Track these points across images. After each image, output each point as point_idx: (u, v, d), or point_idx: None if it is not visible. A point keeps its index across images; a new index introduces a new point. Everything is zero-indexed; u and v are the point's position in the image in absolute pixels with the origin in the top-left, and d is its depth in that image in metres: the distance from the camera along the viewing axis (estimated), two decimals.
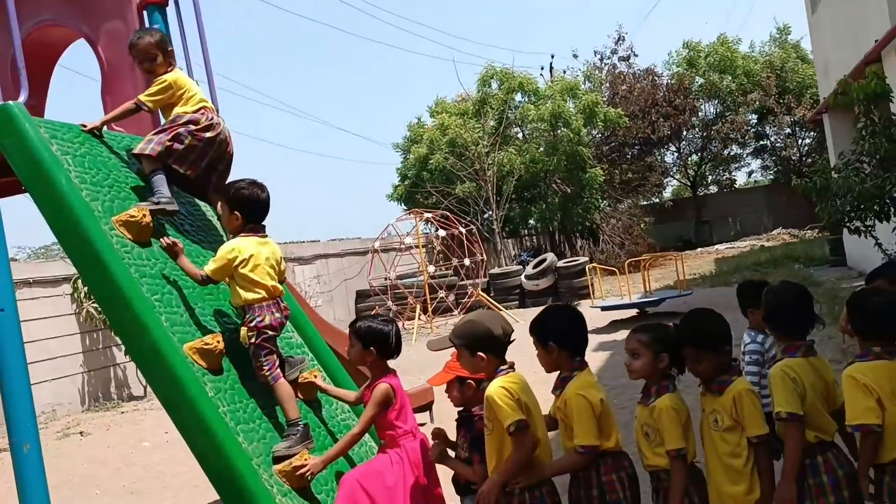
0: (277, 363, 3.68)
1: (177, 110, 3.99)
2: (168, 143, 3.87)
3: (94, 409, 13.15)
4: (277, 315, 3.67)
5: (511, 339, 3.38)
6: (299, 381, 3.86)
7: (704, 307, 3.49)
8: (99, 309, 12.20)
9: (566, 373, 3.30)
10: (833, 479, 2.98)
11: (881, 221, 8.85)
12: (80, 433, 11.07)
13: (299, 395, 3.84)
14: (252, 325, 3.60)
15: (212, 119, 4.02)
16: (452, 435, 3.64)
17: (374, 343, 3.60)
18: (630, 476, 3.25)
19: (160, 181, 3.85)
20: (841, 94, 9.46)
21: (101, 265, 3.45)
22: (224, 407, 3.41)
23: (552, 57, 44.76)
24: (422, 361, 10.83)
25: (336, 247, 22.61)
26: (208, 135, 3.98)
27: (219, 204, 4.03)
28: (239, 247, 3.64)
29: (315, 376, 3.94)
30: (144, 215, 3.72)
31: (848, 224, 9.23)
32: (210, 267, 3.60)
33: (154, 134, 3.95)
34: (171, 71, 4.08)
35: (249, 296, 3.62)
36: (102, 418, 12.20)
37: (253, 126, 52.45)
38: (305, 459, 3.45)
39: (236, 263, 3.61)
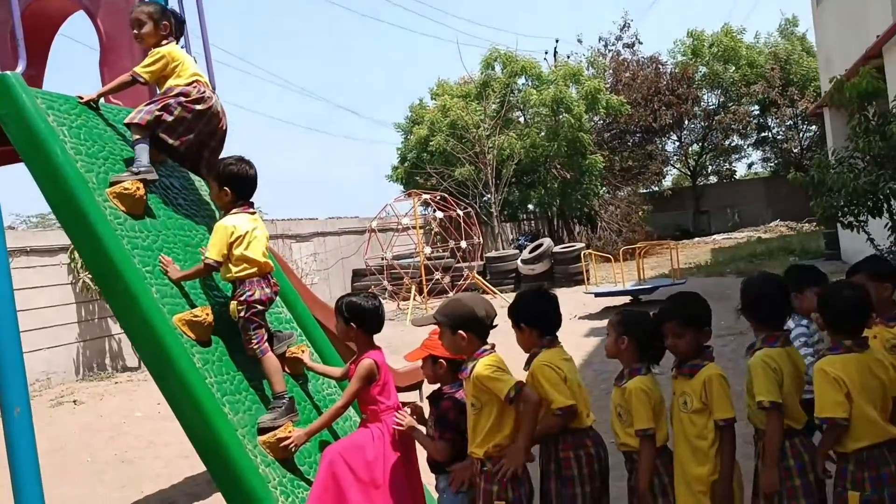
0: (266, 337, 3.75)
1: (169, 82, 4.04)
2: (157, 113, 3.91)
3: (88, 378, 13.25)
4: (267, 290, 3.74)
5: (494, 323, 3.46)
6: (287, 355, 3.94)
7: (692, 291, 3.60)
8: None
9: (536, 349, 3.43)
10: (799, 464, 3.09)
11: (874, 217, 8.92)
12: (74, 402, 11.18)
13: (286, 369, 3.91)
14: (242, 299, 3.67)
15: (203, 92, 4.06)
16: None
17: (356, 319, 3.66)
18: (591, 454, 3.35)
19: (142, 150, 3.89)
20: (836, 93, 9.50)
21: (94, 236, 3.52)
22: (211, 378, 3.48)
23: (556, 42, 44.68)
24: (414, 341, 10.90)
25: (334, 225, 22.66)
26: (199, 107, 4.02)
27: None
28: (234, 226, 3.70)
29: (303, 352, 4.02)
30: (138, 188, 3.78)
31: (841, 219, 9.30)
32: (212, 254, 3.66)
33: (145, 104, 3.99)
34: (165, 45, 4.11)
35: (241, 272, 3.68)
36: (96, 388, 12.30)
37: (256, 102, 52.30)
38: (289, 431, 3.53)
39: (232, 241, 3.67)
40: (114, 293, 3.56)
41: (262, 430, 3.53)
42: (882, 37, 10.77)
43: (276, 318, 4.19)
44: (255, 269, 3.71)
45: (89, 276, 12.87)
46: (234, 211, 3.78)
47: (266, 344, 3.73)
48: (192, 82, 4.04)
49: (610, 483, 3.46)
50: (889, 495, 2.98)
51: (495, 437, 3.27)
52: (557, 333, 3.51)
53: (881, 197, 8.59)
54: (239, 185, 3.80)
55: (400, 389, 4.11)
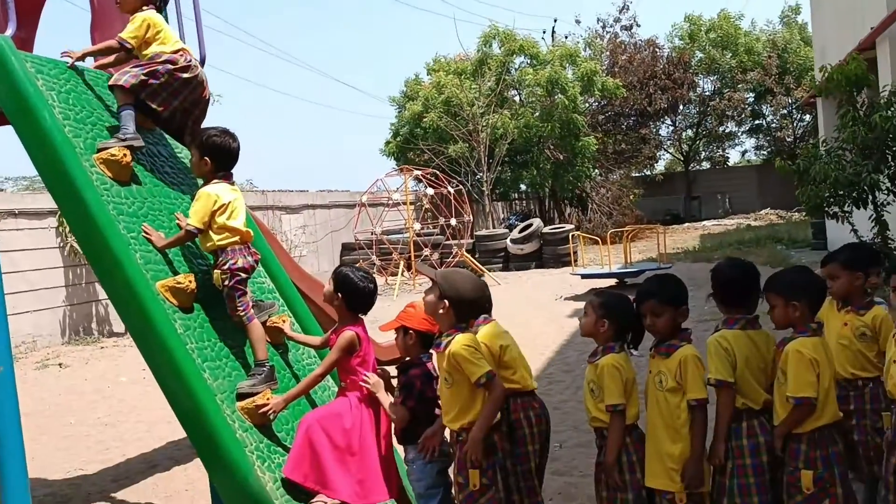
0: (251, 304, 3.82)
1: (154, 49, 4.04)
2: (143, 78, 3.92)
3: (74, 342, 13.31)
4: (249, 259, 3.80)
5: (483, 313, 3.60)
6: (268, 324, 4.00)
7: (670, 273, 3.69)
8: None
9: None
10: (753, 444, 3.19)
11: (858, 208, 9.00)
12: (59, 365, 11.25)
13: (267, 338, 3.98)
14: (225, 267, 3.72)
15: (190, 61, 4.09)
16: None
17: (344, 291, 3.73)
18: (539, 415, 3.60)
19: (128, 116, 3.91)
20: (828, 81, 9.55)
21: (80, 201, 3.55)
22: (192, 344, 3.54)
23: (555, 21, 44.47)
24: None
25: (324, 198, 22.66)
26: (185, 75, 4.04)
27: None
28: (216, 194, 3.74)
29: (283, 321, 4.08)
30: (125, 154, 3.81)
31: (827, 209, 9.39)
32: (194, 221, 3.70)
33: (131, 67, 4.00)
34: (146, 10, 4.11)
35: (222, 240, 3.73)
36: (82, 352, 12.37)
37: (254, 72, 51.86)
38: (268, 399, 3.60)
39: (214, 209, 3.72)
40: (98, 258, 3.60)
41: (241, 396, 3.59)
42: (875, 29, 10.80)
43: (259, 287, 4.25)
44: (236, 238, 3.76)
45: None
46: (214, 181, 3.82)
47: (252, 310, 3.79)
48: (179, 50, 4.07)
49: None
50: (839, 473, 3.11)
51: (467, 415, 3.36)
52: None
53: (865, 188, 8.67)
54: (220, 157, 3.83)
55: (382, 363, 4.18)
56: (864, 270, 3.84)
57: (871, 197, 8.80)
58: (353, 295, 3.73)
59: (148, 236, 3.72)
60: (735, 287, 3.36)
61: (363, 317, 3.82)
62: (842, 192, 8.89)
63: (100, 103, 4.07)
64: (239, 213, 3.82)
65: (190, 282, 3.67)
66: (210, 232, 3.73)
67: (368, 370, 3.75)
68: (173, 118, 4.14)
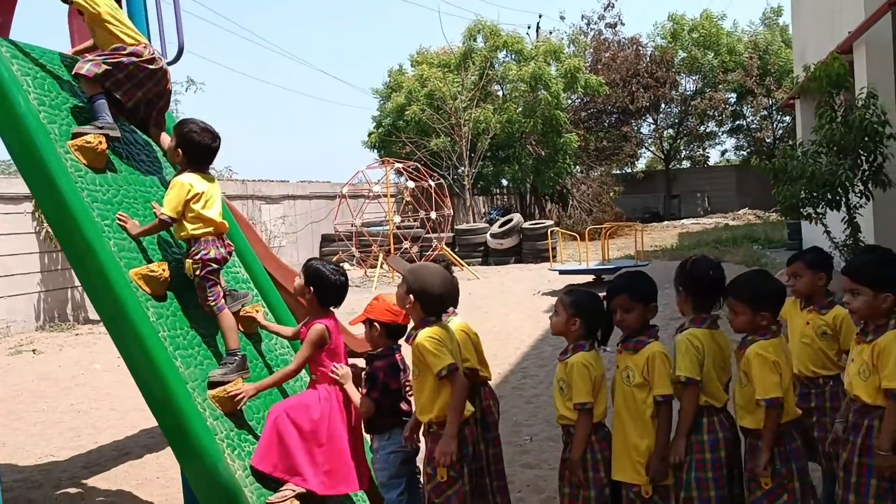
0: (222, 294, 3.84)
1: (118, 41, 3.97)
2: (107, 68, 3.90)
3: (49, 328, 13.22)
4: (222, 250, 3.81)
5: (448, 307, 3.65)
6: (241, 314, 4.02)
7: (640, 270, 3.76)
8: None
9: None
10: (712, 440, 3.27)
11: (831, 210, 9.14)
12: (33, 351, 11.18)
13: (241, 327, 4.00)
14: (197, 257, 3.73)
15: (154, 53, 4.10)
16: None
17: (315, 284, 3.75)
18: (489, 405, 3.81)
19: (102, 105, 3.90)
20: (810, 80, 9.68)
21: (53, 188, 3.54)
22: (164, 332, 3.56)
23: (539, 17, 44.52)
24: None
25: (305, 188, 22.60)
26: (151, 67, 4.04)
27: (162, 135, 4.15)
28: (190, 183, 3.75)
29: (257, 311, 4.10)
30: (101, 142, 3.81)
31: (801, 210, 9.52)
32: (167, 210, 3.70)
33: (94, 55, 3.97)
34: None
35: (196, 230, 3.75)
36: (56, 338, 12.30)
37: (239, 62, 51.54)
38: (239, 388, 3.63)
39: (188, 198, 3.73)
40: (71, 245, 3.60)
41: (213, 385, 3.62)
42: (853, 33, 10.94)
43: (234, 277, 4.27)
44: (210, 229, 3.77)
45: None
46: (188, 170, 3.83)
47: (223, 301, 3.81)
48: (143, 44, 4.05)
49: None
50: (797, 468, 3.20)
51: (434, 406, 3.39)
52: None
53: (839, 190, 8.81)
54: (195, 153, 3.83)
55: (357, 355, 4.22)
56: (828, 272, 3.94)
57: (844, 199, 8.95)
58: (324, 288, 3.75)
59: (123, 224, 3.73)
60: (704, 285, 3.43)
61: (336, 309, 3.85)
62: (816, 193, 9.03)
63: (77, 90, 4.06)
64: (214, 202, 3.83)
65: (163, 270, 3.68)
66: (184, 221, 3.74)
67: (340, 362, 3.78)
68: (137, 109, 4.14)
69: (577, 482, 3.36)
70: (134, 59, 3.97)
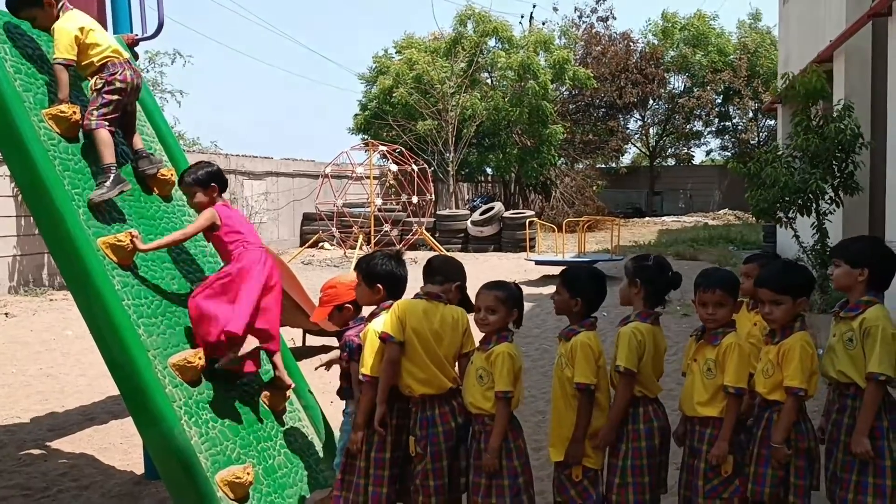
0: (108, 117, 3.92)
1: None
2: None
3: (23, 292, 13.22)
4: (134, 77, 3.99)
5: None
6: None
7: (593, 267, 3.88)
8: None
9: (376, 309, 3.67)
10: (648, 429, 3.42)
11: (802, 215, 9.33)
12: (6, 314, 11.20)
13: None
14: (114, 77, 3.91)
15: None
16: None
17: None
18: None
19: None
20: (788, 90, 9.84)
21: (26, 154, 3.63)
22: (128, 300, 3.66)
23: (534, 6, 44.48)
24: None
25: (288, 166, 22.60)
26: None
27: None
28: (70, 21, 3.89)
29: (136, 237, 3.88)
30: (74, 112, 3.88)
31: (772, 214, 9.71)
32: (60, 53, 3.83)
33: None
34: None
35: (101, 54, 3.91)
36: (30, 303, 12.31)
37: (229, 37, 51.18)
38: (200, 357, 3.73)
39: (76, 33, 3.85)
40: (42, 212, 3.68)
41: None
42: (833, 42, 11.10)
43: (201, 251, 4.35)
44: (110, 53, 3.92)
45: None
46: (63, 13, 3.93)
47: (105, 121, 3.90)
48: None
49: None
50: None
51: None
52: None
53: (810, 196, 8.99)
54: (217, 181, 4.02)
55: (330, 334, 4.31)
56: None
57: (815, 205, 9.14)
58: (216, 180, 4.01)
59: (133, 241, 3.78)
60: (656, 284, 3.56)
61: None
62: (788, 198, 9.21)
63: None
64: (103, 32, 3.98)
65: (130, 240, 3.77)
66: (89, 51, 3.88)
67: (245, 232, 3.96)
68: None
69: (494, 471, 3.36)
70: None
